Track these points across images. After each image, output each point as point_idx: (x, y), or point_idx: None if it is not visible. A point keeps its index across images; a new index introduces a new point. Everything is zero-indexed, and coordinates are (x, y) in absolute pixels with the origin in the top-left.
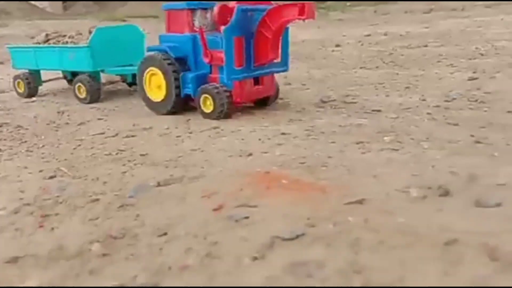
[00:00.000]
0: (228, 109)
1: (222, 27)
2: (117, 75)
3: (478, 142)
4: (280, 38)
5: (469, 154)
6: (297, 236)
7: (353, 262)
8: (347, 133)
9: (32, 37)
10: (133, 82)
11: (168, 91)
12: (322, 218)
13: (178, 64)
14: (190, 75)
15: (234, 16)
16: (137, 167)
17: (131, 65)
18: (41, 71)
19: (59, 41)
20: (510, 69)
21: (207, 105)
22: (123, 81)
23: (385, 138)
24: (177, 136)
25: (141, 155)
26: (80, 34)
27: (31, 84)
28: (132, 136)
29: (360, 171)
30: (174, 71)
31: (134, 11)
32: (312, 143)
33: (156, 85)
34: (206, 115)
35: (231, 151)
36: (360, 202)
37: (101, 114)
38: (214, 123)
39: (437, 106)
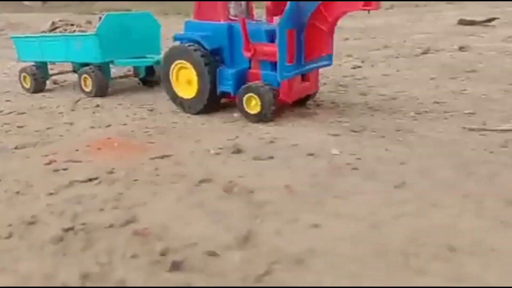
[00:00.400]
0: (274, 110)
1: (276, 18)
2: (129, 68)
3: (304, 116)
4: (334, 30)
5: (284, 125)
6: (90, 180)
7: (121, 195)
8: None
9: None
10: (146, 78)
11: (201, 87)
12: (121, 168)
13: (212, 57)
14: (230, 70)
15: (288, 6)
16: (10, 135)
17: (144, 57)
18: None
19: (66, 30)
20: (394, 59)
21: (252, 106)
22: (135, 76)
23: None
24: (59, 113)
25: (19, 127)
26: (90, 22)
27: (38, 78)
28: (23, 113)
29: (187, 137)
30: (208, 65)
31: (113, 5)
32: (162, 117)
33: (185, 80)
34: (250, 116)
35: (96, 124)
36: (162, 157)
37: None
38: (97, 100)
39: None
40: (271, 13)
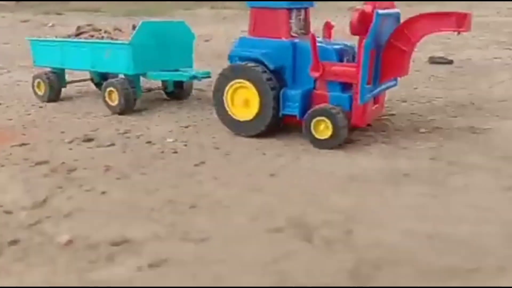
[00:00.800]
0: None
1: (361, 38)
2: (162, 81)
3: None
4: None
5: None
6: None
7: None
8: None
9: None
10: (174, 92)
11: (262, 109)
12: None
13: (275, 78)
14: (294, 92)
15: (373, 26)
16: None
17: (176, 70)
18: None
19: (92, 36)
20: None
21: (321, 130)
22: (164, 89)
23: None
24: None
25: None
26: (119, 30)
27: (54, 85)
28: None
29: (56, 129)
30: (272, 87)
31: (86, 5)
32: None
33: (242, 101)
34: (320, 143)
35: None
36: (21, 145)
37: None
38: None
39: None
40: (354, 31)
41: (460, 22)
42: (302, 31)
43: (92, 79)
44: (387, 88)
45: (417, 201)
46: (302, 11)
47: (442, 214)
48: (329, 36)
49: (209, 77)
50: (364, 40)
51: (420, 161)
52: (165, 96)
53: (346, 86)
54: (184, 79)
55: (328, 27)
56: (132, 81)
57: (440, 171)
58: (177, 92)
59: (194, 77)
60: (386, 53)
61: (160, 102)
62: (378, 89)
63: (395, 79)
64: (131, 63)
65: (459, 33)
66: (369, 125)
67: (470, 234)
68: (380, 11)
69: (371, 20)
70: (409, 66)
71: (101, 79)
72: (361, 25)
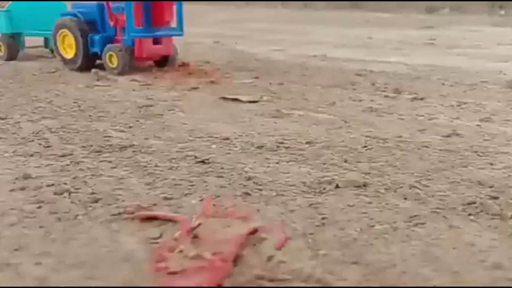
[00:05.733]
0: (130, 66)
1: None
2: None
3: None
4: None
5: None
6: None
7: None
8: None
9: None
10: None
11: (78, 49)
12: None
13: (87, 27)
14: (97, 36)
15: None
16: None
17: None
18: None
19: None
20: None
21: (112, 62)
22: (46, 47)
23: None
24: None
25: None
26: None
27: None
28: None
29: None
30: (82, 33)
31: None
32: None
33: (67, 44)
34: (111, 70)
35: None
36: None
37: None
38: None
39: None
40: None
41: None
42: None
43: None
44: (169, 35)
45: None
46: None
47: None
48: None
49: None
50: None
51: None
52: (47, 51)
53: None
54: (47, 35)
55: None
56: (14, 38)
57: None
58: None
59: None
60: (152, 5)
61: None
62: (155, 33)
63: (181, 30)
64: (9, 25)
65: None
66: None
67: None
68: None
69: None
70: (169, 15)
71: None
72: None
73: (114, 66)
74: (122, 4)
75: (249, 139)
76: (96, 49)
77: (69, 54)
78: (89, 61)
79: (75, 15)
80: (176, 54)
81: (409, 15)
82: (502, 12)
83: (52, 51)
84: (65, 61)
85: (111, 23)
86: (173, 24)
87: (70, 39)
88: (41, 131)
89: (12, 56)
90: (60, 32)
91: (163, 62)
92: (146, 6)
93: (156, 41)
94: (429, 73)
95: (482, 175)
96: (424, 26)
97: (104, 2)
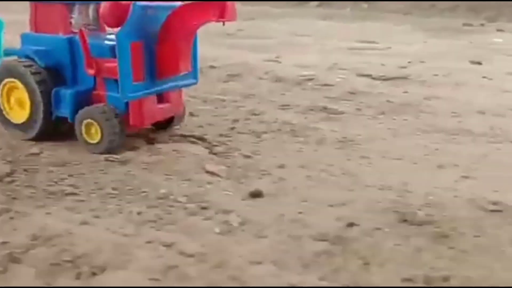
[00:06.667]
0: (121, 138)
1: (115, 30)
2: None
3: None
4: (192, 45)
5: None
6: None
7: None
8: None
9: None
10: None
11: (34, 111)
12: None
13: (48, 76)
14: (66, 91)
15: (130, 15)
16: None
17: None
18: None
19: None
20: None
21: (92, 134)
22: None
23: None
24: None
25: None
26: None
27: None
28: None
29: None
30: (41, 85)
31: None
32: None
33: (17, 102)
34: (91, 147)
35: None
36: None
37: None
38: None
39: None
40: (108, 24)
41: (222, 11)
42: (93, 26)
43: None
44: (181, 86)
45: None
46: (93, 5)
47: None
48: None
49: None
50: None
51: None
52: None
53: None
54: None
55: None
56: None
57: None
58: None
59: None
60: (158, 47)
61: None
62: (163, 86)
63: (194, 77)
64: None
65: (224, 23)
66: (157, 124)
67: None
68: (141, 3)
69: (127, 11)
70: (186, 63)
71: None
72: (112, 16)
73: (95, 141)
74: (110, 43)
75: None
76: (63, 111)
77: (19, 116)
78: (50, 128)
79: (27, 56)
80: (184, 109)
81: None
82: (365, 5)
83: None
84: (10, 126)
85: (89, 71)
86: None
87: (21, 94)
88: None
89: None
90: (3, 82)
91: (167, 122)
92: (147, 48)
93: (161, 97)
94: None
95: None
96: None
97: (76, 34)
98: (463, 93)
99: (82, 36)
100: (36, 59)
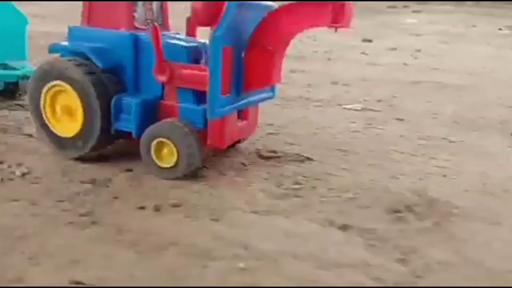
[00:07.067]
0: (199, 161)
1: (211, 31)
2: None
3: None
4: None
5: None
6: None
7: None
8: None
9: None
10: (5, 90)
11: (87, 121)
12: None
13: (106, 79)
14: (131, 100)
15: (225, 14)
16: None
17: (4, 65)
18: None
19: None
20: None
21: (164, 156)
22: None
23: None
24: None
25: None
26: None
27: None
28: None
29: None
30: (100, 90)
31: None
32: None
33: (64, 110)
34: (162, 171)
35: None
36: None
37: None
38: None
39: None
40: (199, 21)
41: (338, 15)
42: (157, 23)
43: None
44: (261, 100)
45: None
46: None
47: None
48: (194, 34)
49: None
50: (212, 33)
51: None
52: None
53: (202, 96)
54: (10, 80)
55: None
56: None
57: None
58: (10, 89)
59: (24, 76)
60: (249, 54)
61: None
62: (245, 100)
63: (272, 90)
64: None
65: (336, 29)
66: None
67: None
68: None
69: (220, 9)
70: (278, 73)
71: None
72: (208, 13)
73: (168, 164)
74: (187, 44)
75: None
76: (126, 125)
77: (68, 128)
78: (105, 144)
79: (76, 54)
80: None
81: None
82: None
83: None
84: (57, 140)
85: (160, 78)
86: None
87: (71, 101)
88: None
89: None
90: (49, 86)
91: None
92: (237, 54)
93: (240, 114)
94: None
95: None
96: None
97: (144, 30)
98: (331, 67)
99: (156, 34)
100: (93, 58)
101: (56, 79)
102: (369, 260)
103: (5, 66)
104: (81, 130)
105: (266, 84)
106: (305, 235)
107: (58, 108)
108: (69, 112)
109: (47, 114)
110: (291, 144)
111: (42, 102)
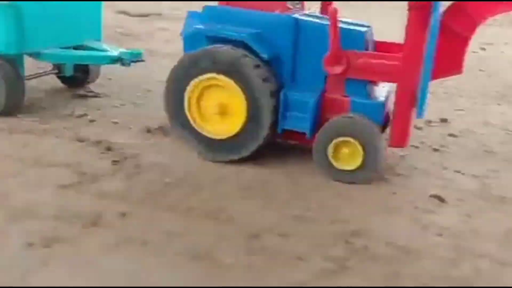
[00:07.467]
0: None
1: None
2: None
3: None
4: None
5: None
6: None
7: None
8: None
9: None
10: (74, 76)
11: (250, 119)
12: None
13: (269, 71)
14: (304, 95)
15: None
16: None
17: (81, 46)
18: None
19: None
20: None
21: (344, 157)
22: (57, 73)
23: None
24: None
25: None
26: None
27: None
28: None
29: None
30: (269, 86)
31: None
32: None
33: (216, 108)
34: (341, 174)
35: None
36: None
37: None
38: None
39: None
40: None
41: None
42: (297, 6)
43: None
44: None
45: None
46: None
47: None
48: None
49: (142, 60)
50: (426, 13)
51: None
52: (59, 82)
53: (371, 88)
54: (103, 62)
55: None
56: (16, 64)
57: None
58: (79, 76)
59: (119, 59)
60: (440, 40)
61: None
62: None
63: None
64: (13, 35)
65: None
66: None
67: None
68: None
69: None
70: (464, 61)
71: None
72: None
73: (350, 167)
74: (361, 29)
75: None
76: (297, 125)
77: (221, 129)
78: (267, 143)
79: (240, 41)
80: None
81: None
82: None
83: (70, 79)
84: (205, 142)
85: (334, 69)
86: None
87: (229, 98)
88: None
89: (13, 103)
90: (201, 78)
91: None
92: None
93: None
94: None
95: None
96: None
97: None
98: None
99: (334, 17)
100: (255, 47)
101: (214, 71)
102: None
103: (84, 48)
104: (242, 131)
105: (455, 72)
106: None
107: (209, 105)
108: (223, 110)
109: (193, 112)
110: None
111: (187, 97)
